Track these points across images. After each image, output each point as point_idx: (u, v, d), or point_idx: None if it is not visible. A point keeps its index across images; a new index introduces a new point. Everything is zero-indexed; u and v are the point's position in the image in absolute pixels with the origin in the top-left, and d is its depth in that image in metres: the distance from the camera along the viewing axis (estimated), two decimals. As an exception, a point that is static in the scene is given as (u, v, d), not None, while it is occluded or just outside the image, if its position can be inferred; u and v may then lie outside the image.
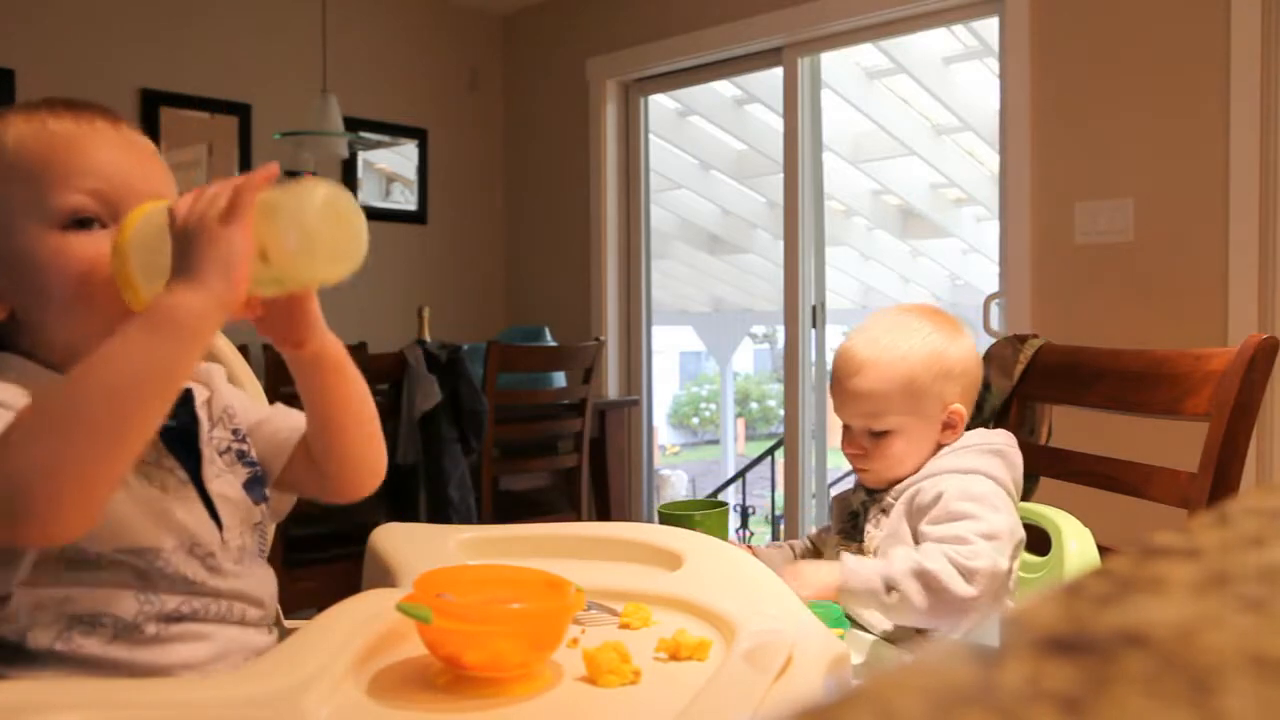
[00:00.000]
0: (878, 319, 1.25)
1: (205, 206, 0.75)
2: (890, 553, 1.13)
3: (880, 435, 1.20)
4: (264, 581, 0.93)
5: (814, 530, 1.42)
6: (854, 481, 1.33)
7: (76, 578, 0.80)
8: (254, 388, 1.14)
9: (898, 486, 1.22)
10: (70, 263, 0.81)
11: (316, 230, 0.75)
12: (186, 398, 0.92)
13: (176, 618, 0.83)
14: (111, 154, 0.85)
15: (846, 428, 1.25)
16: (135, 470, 0.84)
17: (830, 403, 1.31)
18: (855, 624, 1.17)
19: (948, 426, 1.22)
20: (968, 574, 1.06)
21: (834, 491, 1.63)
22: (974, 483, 1.13)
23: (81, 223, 0.82)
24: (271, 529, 1.01)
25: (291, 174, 1.24)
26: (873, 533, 1.21)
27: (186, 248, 0.75)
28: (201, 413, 0.93)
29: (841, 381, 1.23)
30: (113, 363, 0.71)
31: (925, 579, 1.06)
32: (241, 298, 0.75)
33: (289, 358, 0.91)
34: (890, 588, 1.07)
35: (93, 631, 0.80)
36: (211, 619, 0.86)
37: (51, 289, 0.82)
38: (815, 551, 1.35)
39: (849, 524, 1.28)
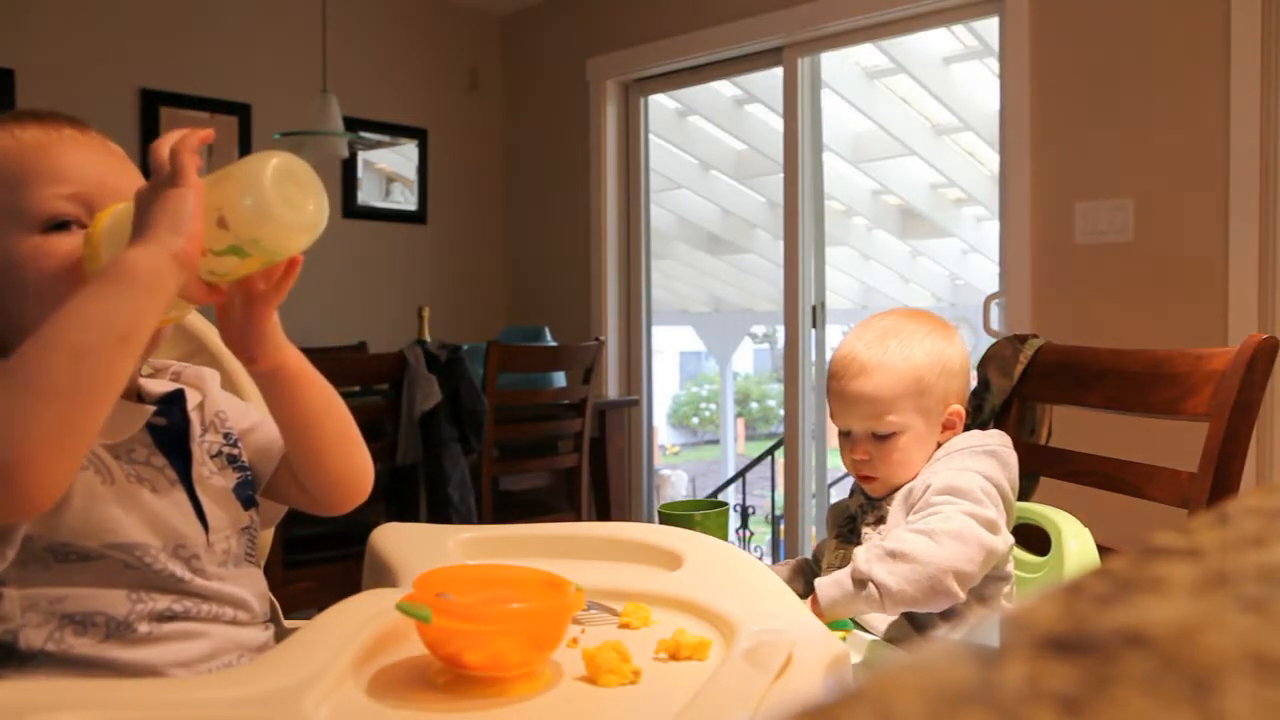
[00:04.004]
0: (869, 325, 1.24)
1: (155, 173, 0.79)
2: (853, 553, 1.12)
3: (885, 438, 1.19)
4: (251, 585, 0.92)
5: (815, 544, 1.41)
6: (851, 488, 1.33)
7: (67, 574, 0.80)
8: (257, 397, 1.13)
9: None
10: (49, 260, 0.82)
11: (270, 192, 0.77)
12: (179, 399, 0.92)
13: (169, 616, 0.83)
14: (84, 157, 0.86)
15: (845, 435, 1.23)
16: (125, 468, 0.84)
17: (829, 409, 1.30)
18: (857, 625, 1.17)
19: (947, 427, 1.22)
20: (933, 535, 1.04)
21: (833, 493, 1.62)
22: (962, 477, 1.12)
23: (61, 225, 0.83)
24: (262, 535, 1.00)
25: None
26: (871, 535, 1.21)
27: (141, 211, 0.78)
28: (194, 415, 0.93)
29: (844, 385, 1.21)
30: (70, 321, 0.72)
31: (892, 558, 1.04)
32: (196, 252, 0.77)
33: (249, 373, 0.91)
34: (862, 582, 1.05)
35: (85, 631, 0.80)
36: (204, 618, 0.86)
37: (30, 286, 0.82)
38: (817, 564, 1.34)
39: (846, 528, 1.28)
